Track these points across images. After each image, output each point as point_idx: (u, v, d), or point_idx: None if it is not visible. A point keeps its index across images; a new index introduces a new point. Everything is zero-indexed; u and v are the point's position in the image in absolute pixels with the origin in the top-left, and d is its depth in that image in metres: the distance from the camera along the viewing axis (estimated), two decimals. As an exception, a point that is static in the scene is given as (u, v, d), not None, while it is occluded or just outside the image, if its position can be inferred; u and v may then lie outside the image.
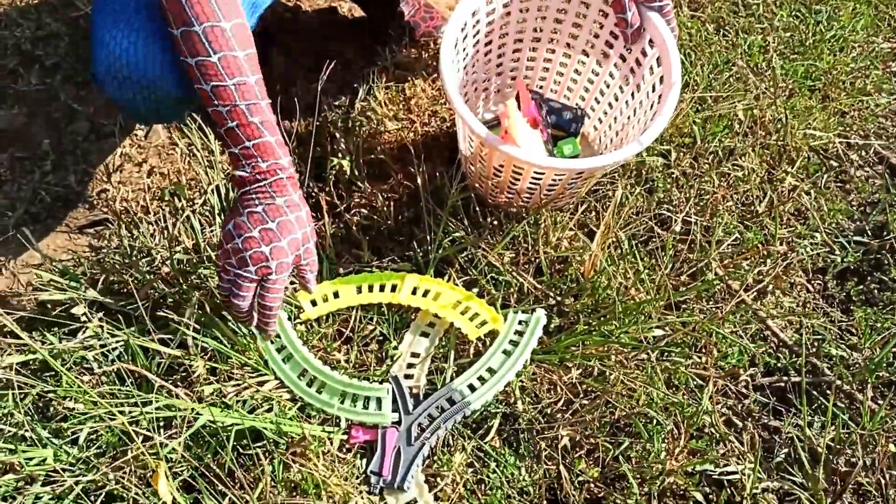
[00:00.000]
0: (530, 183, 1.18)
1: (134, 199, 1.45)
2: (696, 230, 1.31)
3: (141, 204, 1.44)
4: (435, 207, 1.29)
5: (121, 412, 0.98)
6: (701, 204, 1.35)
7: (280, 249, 0.97)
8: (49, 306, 1.21)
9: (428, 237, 1.26)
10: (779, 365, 1.25)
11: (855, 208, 1.45)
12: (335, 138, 1.46)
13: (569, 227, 1.29)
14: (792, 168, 1.43)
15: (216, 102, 0.95)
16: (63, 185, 1.50)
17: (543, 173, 1.13)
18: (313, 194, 1.38)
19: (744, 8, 1.72)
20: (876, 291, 1.35)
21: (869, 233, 1.43)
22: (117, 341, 1.11)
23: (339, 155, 1.40)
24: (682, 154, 1.41)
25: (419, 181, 1.30)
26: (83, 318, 1.12)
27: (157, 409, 1.00)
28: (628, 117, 1.28)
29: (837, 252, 1.39)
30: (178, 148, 1.53)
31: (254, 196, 0.98)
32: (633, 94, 1.28)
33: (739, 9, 1.72)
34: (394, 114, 1.53)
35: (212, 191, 1.33)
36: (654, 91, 1.19)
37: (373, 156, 1.43)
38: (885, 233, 1.41)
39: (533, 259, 1.27)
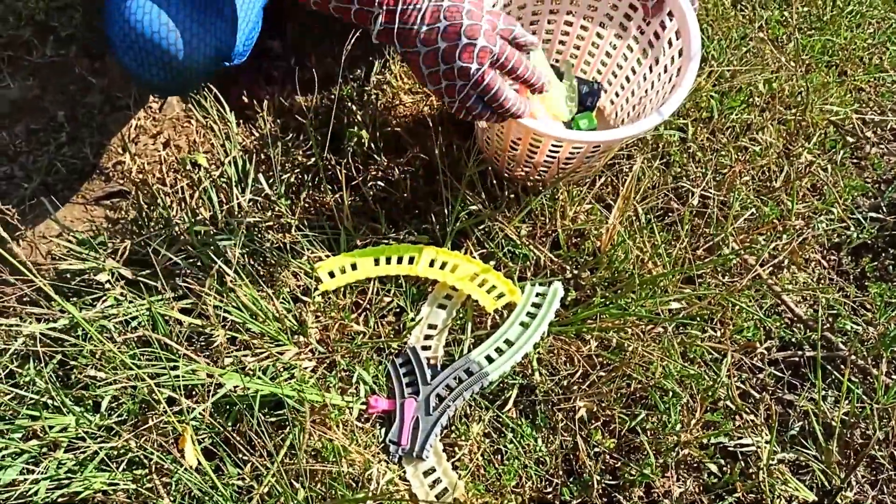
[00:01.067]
0: (547, 156, 1.18)
1: (150, 171, 1.45)
2: (713, 204, 1.31)
3: (157, 175, 1.44)
4: (452, 180, 1.29)
5: (142, 380, 0.99)
6: (718, 178, 1.35)
7: (486, 32, 0.91)
8: (68, 276, 1.22)
9: (445, 210, 1.26)
10: (794, 339, 1.26)
11: (870, 184, 1.45)
12: (351, 111, 1.46)
13: (586, 200, 1.29)
14: (809, 143, 1.42)
15: None
16: (79, 156, 1.51)
17: (560, 146, 1.13)
18: (330, 167, 1.38)
19: (762, -18, 1.70)
20: (891, 267, 1.35)
21: (884, 209, 1.42)
22: (137, 309, 1.12)
23: (356, 127, 1.40)
24: (699, 128, 1.41)
25: (436, 153, 1.30)
26: (106, 285, 1.13)
27: (179, 376, 1.01)
28: (646, 91, 1.28)
29: (853, 228, 1.39)
30: (194, 120, 1.53)
31: (411, 26, 0.93)
32: (650, 68, 1.27)
33: (758, -18, 1.71)
34: (409, 87, 1.52)
35: (229, 162, 1.33)
36: (672, 64, 1.19)
37: (389, 129, 1.42)
38: (900, 209, 1.41)
39: (550, 232, 1.27)
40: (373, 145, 1.39)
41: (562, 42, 1.44)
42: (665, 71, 1.21)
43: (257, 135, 1.47)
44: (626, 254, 1.20)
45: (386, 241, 1.27)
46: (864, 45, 1.59)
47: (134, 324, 1.12)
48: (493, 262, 1.24)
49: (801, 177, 1.38)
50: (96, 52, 1.63)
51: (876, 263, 1.36)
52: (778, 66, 1.49)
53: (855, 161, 1.50)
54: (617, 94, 1.39)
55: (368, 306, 1.22)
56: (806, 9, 1.64)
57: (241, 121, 1.52)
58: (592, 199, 1.30)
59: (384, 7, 0.94)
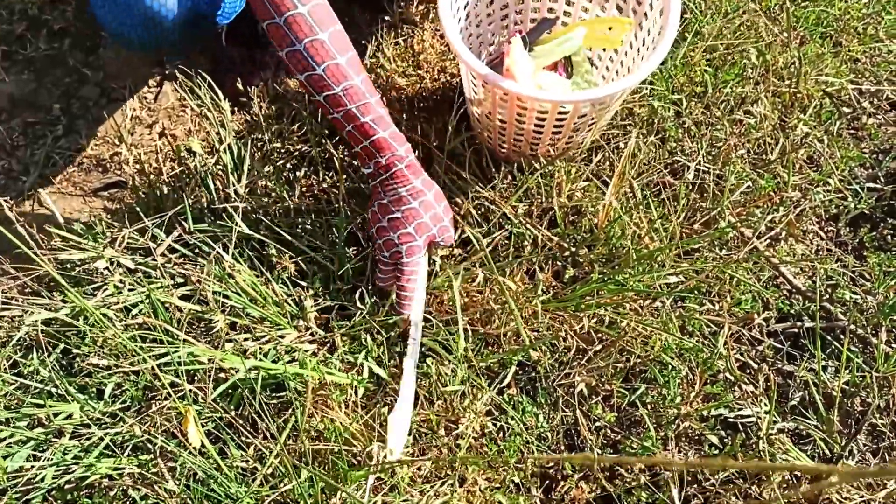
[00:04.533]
0: (535, 127, 1.17)
1: (147, 161, 1.46)
2: (709, 179, 1.31)
3: (154, 165, 1.44)
4: (447, 161, 1.30)
5: (144, 361, 1.00)
6: (713, 153, 1.35)
7: (407, 235, 1.09)
8: (68, 266, 1.23)
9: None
10: (792, 311, 1.26)
11: (867, 155, 1.45)
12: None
13: (582, 177, 1.29)
14: (804, 115, 1.42)
15: (332, 110, 1.05)
16: (76, 149, 1.51)
17: (546, 113, 1.13)
18: (327, 150, 1.38)
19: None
20: (889, 237, 1.35)
21: (881, 179, 1.42)
22: (138, 296, 1.13)
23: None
24: (693, 103, 1.40)
25: (431, 136, 1.30)
26: (105, 273, 1.13)
27: (180, 361, 1.01)
28: (633, 59, 1.27)
29: (850, 199, 1.39)
30: (189, 109, 1.53)
31: (380, 189, 1.11)
32: (635, 36, 1.27)
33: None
34: (403, 70, 1.52)
35: (224, 149, 1.33)
36: (655, 30, 1.18)
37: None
38: (897, 178, 1.41)
39: (547, 210, 1.28)
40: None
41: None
42: (648, 35, 1.20)
43: (252, 121, 1.47)
44: (623, 230, 1.21)
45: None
46: (858, 14, 1.58)
47: (134, 311, 1.13)
48: (488, 239, 1.24)
49: (797, 148, 1.38)
50: (90, 45, 1.63)
51: (874, 233, 1.36)
52: (771, 38, 1.48)
53: (852, 132, 1.49)
54: (607, 69, 1.39)
55: (366, 288, 1.22)
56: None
57: (235, 108, 1.53)
58: (589, 174, 1.30)
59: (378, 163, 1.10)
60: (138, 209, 1.22)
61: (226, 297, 1.11)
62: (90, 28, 1.64)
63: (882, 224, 1.38)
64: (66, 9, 1.67)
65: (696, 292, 1.20)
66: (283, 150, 1.39)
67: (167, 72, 1.60)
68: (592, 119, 1.20)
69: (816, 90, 1.43)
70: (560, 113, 1.13)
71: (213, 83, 1.51)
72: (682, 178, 1.32)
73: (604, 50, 1.39)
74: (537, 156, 1.27)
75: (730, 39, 1.48)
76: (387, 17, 1.62)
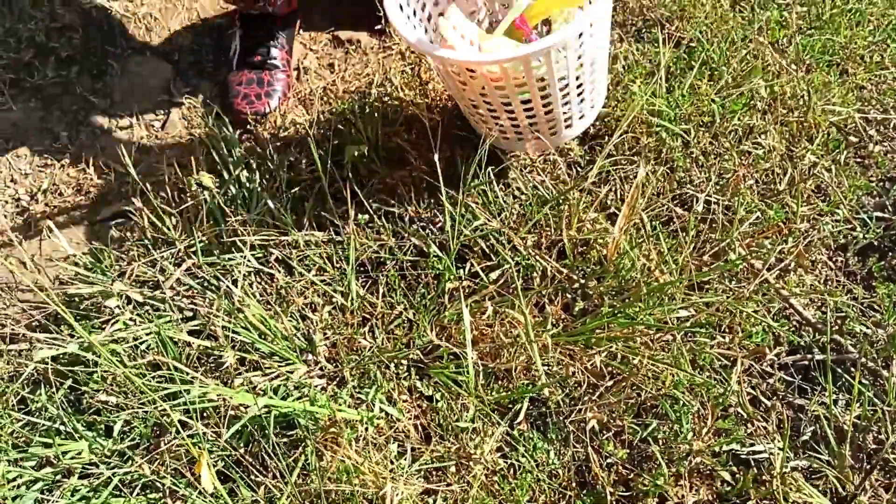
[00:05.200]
0: (523, 106, 1.22)
1: (153, 190, 1.45)
2: (718, 209, 1.31)
3: (161, 195, 1.44)
4: (454, 193, 1.30)
5: (154, 403, 1.00)
6: (721, 183, 1.35)
7: None
8: (77, 300, 1.22)
9: (449, 222, 1.26)
10: (802, 343, 1.26)
11: (875, 184, 1.45)
12: (352, 124, 1.46)
13: (591, 208, 1.29)
14: (812, 145, 1.42)
15: None
16: (83, 177, 1.51)
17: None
18: (333, 181, 1.38)
19: (759, -18, 1.70)
20: (898, 267, 1.35)
21: (889, 208, 1.42)
22: (147, 333, 1.12)
23: (358, 142, 1.40)
24: (701, 133, 1.40)
25: (438, 167, 1.30)
26: (116, 311, 1.13)
27: (191, 401, 1.01)
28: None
29: (858, 228, 1.38)
30: (195, 139, 1.53)
31: None
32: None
33: (755, -17, 1.70)
34: (411, 98, 1.52)
35: (233, 181, 1.33)
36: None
37: (391, 143, 1.42)
38: (906, 208, 1.40)
39: (556, 242, 1.27)
40: (375, 160, 1.40)
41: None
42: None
43: (260, 151, 1.47)
44: (633, 262, 1.20)
45: (392, 258, 1.27)
46: (864, 43, 1.58)
47: (143, 347, 1.13)
48: (499, 273, 1.23)
49: (805, 179, 1.38)
50: (97, 72, 1.63)
51: (883, 263, 1.36)
52: (779, 69, 1.49)
53: (859, 160, 1.49)
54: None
55: (376, 321, 1.22)
56: (805, 8, 1.63)
57: (243, 137, 1.53)
58: (597, 207, 1.30)
59: None
60: (147, 242, 1.22)
61: (235, 331, 1.11)
62: (98, 55, 1.65)
63: (890, 254, 1.38)
64: (73, 36, 1.67)
65: (706, 326, 1.19)
66: (291, 180, 1.39)
67: (175, 99, 1.60)
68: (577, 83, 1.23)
69: (824, 120, 1.43)
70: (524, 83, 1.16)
71: (220, 112, 1.51)
72: (690, 208, 1.32)
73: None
74: (551, 138, 1.31)
75: (737, 69, 1.48)
76: (394, 46, 1.63)
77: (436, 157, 1.27)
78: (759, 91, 1.43)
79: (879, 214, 1.41)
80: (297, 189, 1.38)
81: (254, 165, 1.42)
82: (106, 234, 1.42)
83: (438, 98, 1.53)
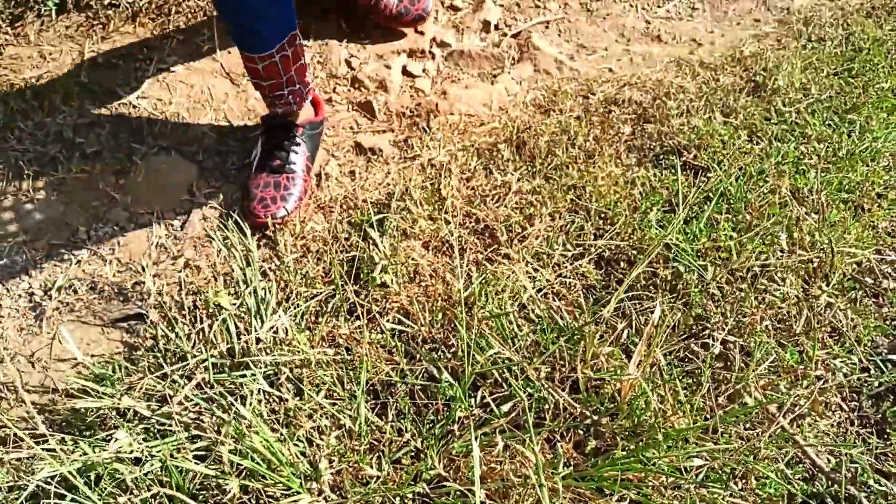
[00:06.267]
0: None
1: (168, 293, 1.46)
2: (734, 350, 1.30)
3: (175, 299, 1.44)
4: (468, 319, 1.29)
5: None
6: (738, 322, 1.35)
7: None
8: (83, 410, 1.21)
9: (461, 351, 1.25)
10: (815, 491, 1.23)
11: (889, 323, 1.44)
12: (370, 237, 1.47)
13: (606, 343, 1.28)
14: (827, 285, 1.42)
15: None
16: (98, 275, 1.52)
17: None
18: (350, 297, 1.38)
19: (776, 115, 1.73)
20: (913, 415, 1.33)
21: (905, 351, 1.41)
22: (151, 450, 1.11)
23: (375, 259, 1.41)
24: (717, 269, 1.41)
25: (455, 287, 1.30)
26: (120, 435, 1.11)
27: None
28: None
29: (873, 371, 1.37)
30: (214, 241, 1.54)
31: None
32: None
33: (772, 115, 1.74)
34: (429, 214, 1.54)
35: (249, 293, 1.33)
36: None
37: (407, 261, 1.43)
38: (921, 352, 1.39)
39: (569, 375, 1.26)
40: (392, 277, 1.40)
41: None
42: None
43: (278, 260, 1.48)
44: (647, 403, 1.19)
45: (403, 382, 1.26)
46: (879, 180, 1.60)
47: (147, 468, 1.11)
48: (510, 405, 1.22)
49: (822, 321, 1.37)
50: (121, 169, 1.65)
51: (898, 409, 1.34)
52: (798, 213, 1.50)
53: (874, 298, 1.49)
54: None
55: (384, 447, 1.20)
56: (822, 144, 1.66)
57: (261, 242, 1.54)
58: (613, 341, 1.29)
59: None
60: (157, 355, 1.21)
61: (241, 457, 1.09)
62: (124, 151, 1.67)
63: (906, 400, 1.36)
64: (100, 132, 1.70)
65: (721, 473, 1.17)
66: (306, 294, 1.39)
67: (196, 200, 1.62)
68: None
69: (840, 261, 1.44)
70: None
71: (239, 216, 1.52)
72: (706, 346, 1.31)
73: None
74: None
75: (754, 206, 1.50)
76: (412, 154, 1.66)
77: (453, 275, 1.27)
78: (778, 235, 1.43)
79: (893, 357, 1.40)
80: (311, 302, 1.38)
81: (270, 275, 1.43)
82: (117, 336, 1.42)
83: (457, 214, 1.54)
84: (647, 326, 1.22)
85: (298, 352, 1.26)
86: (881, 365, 1.39)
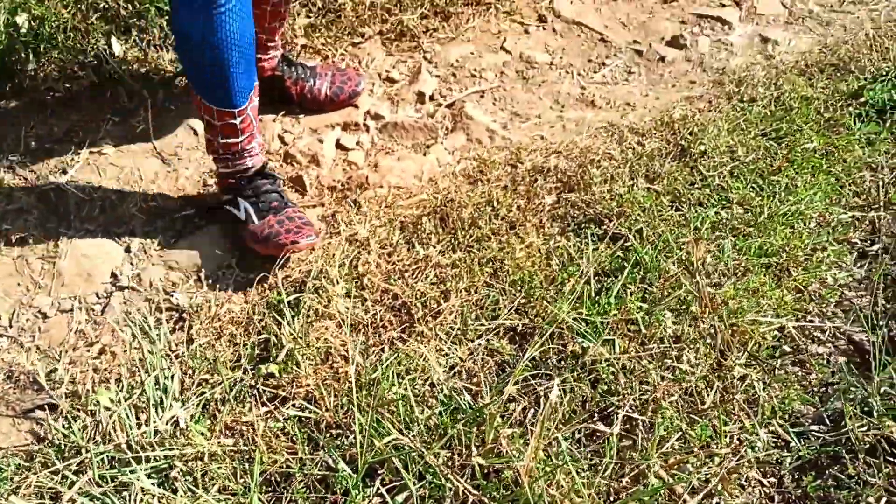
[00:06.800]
0: None
1: (81, 381, 1.45)
2: (640, 427, 1.28)
3: (87, 386, 1.44)
4: (370, 402, 1.28)
5: None
6: (645, 398, 1.32)
7: None
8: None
9: (358, 437, 1.23)
10: (729, 575, 1.19)
11: (814, 391, 1.41)
12: (283, 316, 1.46)
13: (506, 424, 1.26)
14: (742, 355, 1.39)
15: None
16: (16, 363, 1.51)
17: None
18: (255, 383, 1.37)
19: (700, 179, 1.73)
20: (833, 489, 1.29)
21: (827, 421, 1.38)
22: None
23: (283, 342, 1.40)
24: (627, 341, 1.39)
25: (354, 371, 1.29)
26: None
27: None
28: None
29: (793, 441, 1.34)
30: (129, 327, 1.54)
31: None
32: None
33: (696, 179, 1.74)
34: (346, 291, 1.53)
35: (150, 382, 1.32)
36: None
37: (318, 342, 1.42)
38: (843, 421, 1.36)
39: (468, 462, 1.24)
40: (300, 357, 1.39)
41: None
42: None
43: (188, 346, 1.47)
44: (544, 489, 1.16)
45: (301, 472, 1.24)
46: (802, 243, 1.59)
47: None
48: (405, 496, 1.19)
49: (735, 392, 1.35)
50: (48, 254, 1.66)
51: (818, 482, 1.30)
52: (713, 283, 1.48)
53: (797, 364, 1.46)
54: None
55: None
56: (743, 208, 1.65)
57: (176, 325, 1.53)
58: (514, 422, 1.27)
59: None
60: (52, 453, 1.20)
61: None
62: (51, 237, 1.69)
63: (826, 472, 1.32)
64: (28, 218, 1.72)
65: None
66: (212, 381, 1.38)
67: (118, 283, 1.62)
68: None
69: (754, 330, 1.42)
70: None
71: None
72: (611, 423, 1.28)
73: None
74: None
75: (665, 276, 1.48)
76: (337, 230, 1.66)
77: (364, 356, 1.26)
78: (689, 305, 1.42)
79: (815, 428, 1.37)
80: (217, 389, 1.37)
81: (176, 361, 1.42)
82: (27, 427, 1.41)
83: (375, 291, 1.54)
84: (544, 407, 1.20)
85: (194, 444, 1.25)
86: (802, 435, 1.35)
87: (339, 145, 1.95)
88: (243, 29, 1.44)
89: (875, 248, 1.71)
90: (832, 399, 1.39)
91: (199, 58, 1.46)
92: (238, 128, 1.56)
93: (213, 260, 1.66)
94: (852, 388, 1.38)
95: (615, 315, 1.41)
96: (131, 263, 1.67)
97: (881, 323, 1.58)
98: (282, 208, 1.63)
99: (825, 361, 1.49)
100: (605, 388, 1.33)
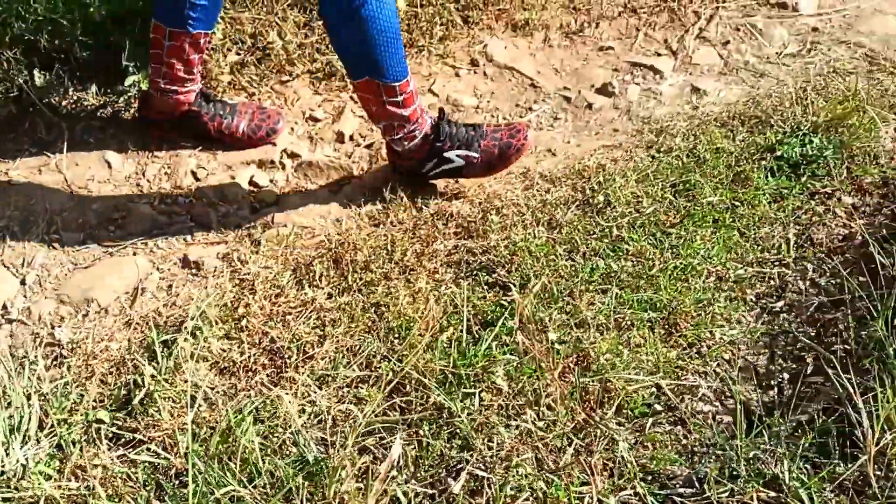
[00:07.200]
0: None
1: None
2: (489, 484, 1.25)
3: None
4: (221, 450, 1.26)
5: None
6: (500, 454, 1.29)
7: None
8: None
9: (191, 486, 1.21)
10: None
11: (690, 453, 1.37)
12: (155, 358, 1.45)
13: (353, 479, 1.23)
14: (611, 413, 1.37)
15: None
16: None
17: None
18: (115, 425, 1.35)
19: (599, 230, 1.72)
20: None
21: (696, 484, 1.34)
22: None
23: (148, 385, 1.39)
24: (491, 395, 1.36)
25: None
26: None
27: None
28: None
29: (659, 505, 1.30)
30: (2, 363, 1.52)
31: None
32: None
33: (596, 230, 1.72)
34: (225, 333, 1.52)
35: (3, 420, 1.31)
36: None
37: (185, 385, 1.40)
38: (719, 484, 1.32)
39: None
40: (160, 401, 1.37)
41: None
42: None
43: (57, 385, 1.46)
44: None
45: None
46: (690, 297, 1.56)
47: None
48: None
49: (595, 453, 1.32)
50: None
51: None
52: (588, 337, 1.46)
53: (679, 425, 1.43)
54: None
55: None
56: (631, 261, 1.63)
57: (53, 362, 1.52)
58: (362, 476, 1.24)
59: None
60: None
61: None
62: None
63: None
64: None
65: None
66: (69, 421, 1.36)
67: (7, 316, 1.61)
68: None
69: (623, 387, 1.39)
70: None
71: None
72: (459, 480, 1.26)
73: None
74: None
75: (545, 324, 1.46)
76: (232, 269, 1.65)
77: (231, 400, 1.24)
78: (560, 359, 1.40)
79: (682, 491, 1.34)
80: (74, 430, 1.35)
81: (39, 398, 1.40)
82: None
83: (253, 334, 1.52)
84: (384, 463, 1.17)
85: (34, 487, 1.23)
86: (672, 498, 1.32)
87: (252, 182, 1.95)
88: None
89: (779, 304, 1.68)
90: (703, 462, 1.36)
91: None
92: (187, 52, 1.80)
93: (105, 295, 1.65)
94: (720, 452, 1.35)
95: (480, 368, 1.39)
96: (24, 296, 1.67)
97: (773, 382, 1.55)
98: (478, 132, 1.83)
99: (710, 421, 1.47)
100: (461, 442, 1.30)
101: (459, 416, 1.32)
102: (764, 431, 1.41)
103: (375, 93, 1.69)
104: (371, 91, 1.69)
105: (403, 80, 1.69)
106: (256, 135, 1.98)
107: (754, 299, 1.67)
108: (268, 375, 1.45)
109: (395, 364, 1.43)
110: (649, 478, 1.34)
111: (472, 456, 1.29)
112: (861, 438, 1.28)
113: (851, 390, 1.31)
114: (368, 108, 1.76)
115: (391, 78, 1.67)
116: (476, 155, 1.80)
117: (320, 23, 2.24)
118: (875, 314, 1.48)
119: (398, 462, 1.22)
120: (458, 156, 1.80)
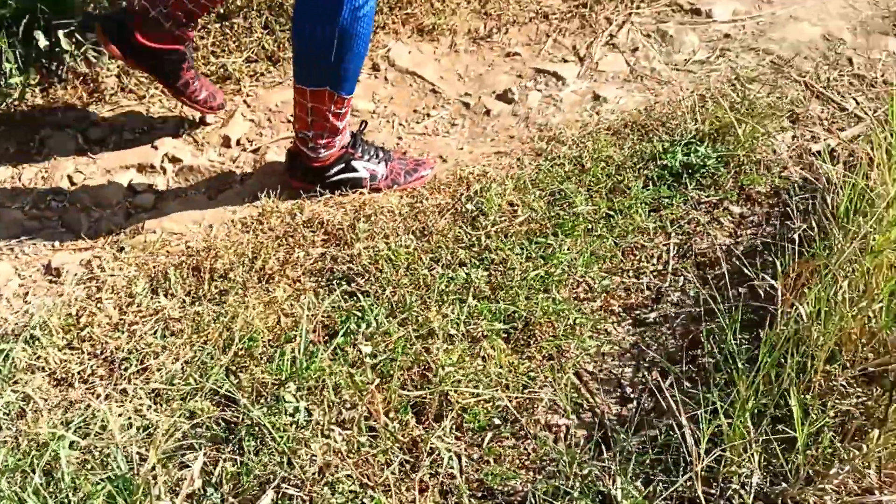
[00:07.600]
0: None
1: None
2: (306, 501, 1.21)
3: None
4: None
5: None
6: (311, 472, 1.26)
7: None
8: None
9: None
10: None
11: (532, 471, 1.34)
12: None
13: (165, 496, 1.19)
14: (448, 426, 1.33)
15: None
16: None
17: None
18: None
19: (468, 239, 1.68)
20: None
21: (533, 501, 1.31)
22: None
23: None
24: (322, 410, 1.33)
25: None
26: None
27: None
28: None
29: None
30: None
31: None
32: None
33: (465, 239, 1.69)
34: (67, 343, 1.48)
35: None
36: None
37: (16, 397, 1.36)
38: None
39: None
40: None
41: None
42: None
43: None
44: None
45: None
46: (551, 308, 1.53)
47: None
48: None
49: (420, 467, 1.28)
50: None
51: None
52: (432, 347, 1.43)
53: (524, 440, 1.40)
54: None
55: None
56: (491, 271, 1.60)
57: None
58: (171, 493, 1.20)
59: None
60: None
61: None
62: None
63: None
64: None
65: None
66: None
67: None
68: None
69: (457, 398, 1.36)
70: None
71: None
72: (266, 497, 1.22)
73: None
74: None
75: (391, 339, 1.43)
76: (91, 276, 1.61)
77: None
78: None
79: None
80: None
81: None
82: None
83: (97, 342, 1.48)
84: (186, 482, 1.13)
85: None
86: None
87: (129, 187, 1.91)
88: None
89: (652, 315, 1.66)
90: (539, 480, 1.33)
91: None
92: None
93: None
94: (557, 468, 1.32)
95: (313, 381, 1.35)
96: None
97: (633, 395, 1.53)
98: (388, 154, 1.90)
99: (562, 434, 1.44)
100: (277, 459, 1.26)
101: (281, 432, 1.28)
102: (612, 446, 1.39)
103: (326, 103, 1.65)
104: (322, 101, 1.64)
105: (352, 93, 1.69)
106: (210, 104, 2.00)
107: (625, 310, 1.65)
108: (103, 387, 1.41)
109: (231, 377, 1.39)
110: (484, 494, 1.31)
111: (289, 472, 1.25)
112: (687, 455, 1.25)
113: (675, 408, 1.28)
114: (307, 117, 1.69)
115: (347, 91, 1.65)
116: (382, 171, 1.84)
117: (217, 25, 2.21)
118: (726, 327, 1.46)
119: (198, 478, 1.18)
120: (364, 167, 1.83)
